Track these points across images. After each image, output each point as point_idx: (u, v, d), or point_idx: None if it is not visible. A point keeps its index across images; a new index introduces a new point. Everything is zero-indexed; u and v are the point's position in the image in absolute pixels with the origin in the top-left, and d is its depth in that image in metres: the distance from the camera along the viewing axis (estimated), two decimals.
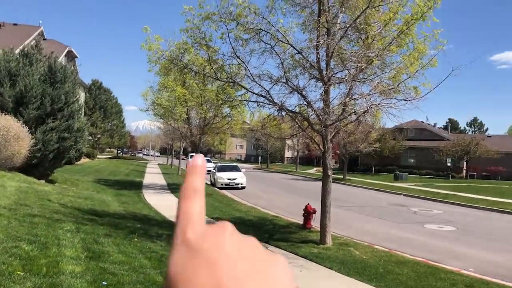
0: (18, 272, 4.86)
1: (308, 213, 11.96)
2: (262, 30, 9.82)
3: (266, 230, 11.72)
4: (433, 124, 57.71)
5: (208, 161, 37.06)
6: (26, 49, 17.78)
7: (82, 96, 34.84)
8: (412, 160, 47.40)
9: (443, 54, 9.93)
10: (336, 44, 9.58)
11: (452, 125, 76.55)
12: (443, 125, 72.97)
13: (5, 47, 17.62)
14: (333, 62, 10.20)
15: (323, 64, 10.02)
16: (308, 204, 12.09)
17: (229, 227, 0.38)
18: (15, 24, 35.62)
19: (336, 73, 10.34)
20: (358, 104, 10.34)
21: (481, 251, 10.59)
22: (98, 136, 51.72)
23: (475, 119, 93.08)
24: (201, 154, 0.44)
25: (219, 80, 10.93)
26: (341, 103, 10.25)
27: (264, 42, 10.06)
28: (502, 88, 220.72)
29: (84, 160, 38.24)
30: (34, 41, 21.05)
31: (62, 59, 32.09)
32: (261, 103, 10.76)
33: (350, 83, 9.90)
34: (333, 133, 10.59)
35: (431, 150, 43.28)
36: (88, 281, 5.07)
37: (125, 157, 70.23)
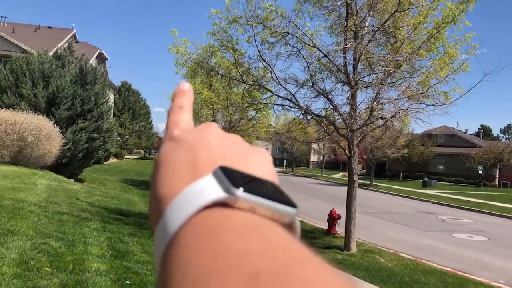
0: (46, 268, 4.98)
1: (332, 218, 11.82)
2: (289, 34, 9.80)
3: None
4: (464, 131, 56.22)
5: None
6: (59, 51, 18.35)
7: (111, 97, 35.69)
8: (442, 167, 46.23)
9: (475, 58, 9.68)
10: (364, 47, 9.45)
11: (484, 132, 74.33)
12: (475, 132, 71.06)
13: (39, 50, 18.24)
14: (360, 66, 10.07)
15: (350, 68, 9.92)
16: (333, 209, 11.95)
17: (213, 125, 0.40)
18: (49, 27, 36.87)
19: (364, 77, 10.21)
20: (385, 108, 10.17)
21: None
22: (126, 137, 52.78)
23: (509, 126, 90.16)
24: (187, 82, 0.46)
25: (245, 83, 10.97)
26: (368, 107, 10.10)
27: (291, 46, 10.04)
28: None
29: (112, 160, 39.11)
30: (67, 43, 21.70)
31: (93, 61, 32.98)
32: (286, 107, 10.74)
33: (378, 87, 9.75)
34: (360, 137, 10.44)
35: (462, 157, 42.09)
36: (112, 279, 5.15)
37: (152, 158, 71.38)
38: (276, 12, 9.69)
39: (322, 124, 10.83)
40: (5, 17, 35.87)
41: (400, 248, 10.76)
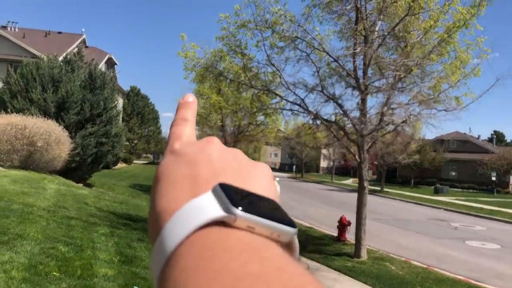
0: (54, 273, 4.96)
1: (342, 225, 11.69)
2: (298, 38, 9.75)
3: (299, 242, 11.08)
4: (477, 136, 55.66)
5: None
6: (68, 56, 18.52)
7: (120, 102, 35.91)
8: (454, 173, 45.71)
9: (487, 63, 9.52)
10: (374, 52, 9.36)
11: (497, 138, 73.42)
12: (488, 138, 70.31)
13: (49, 55, 18.42)
14: (370, 70, 9.98)
15: (360, 73, 9.82)
16: (343, 215, 11.82)
17: (214, 139, 0.40)
18: (59, 33, 37.32)
19: (374, 81, 10.11)
20: (396, 114, 10.03)
21: None
22: (135, 141, 53.12)
23: None
24: (191, 94, 0.45)
25: (254, 88, 10.93)
26: (378, 112, 9.98)
27: (300, 50, 9.97)
28: None
29: (121, 165, 39.31)
30: (76, 48, 21.92)
31: (102, 66, 33.27)
32: (295, 112, 10.67)
33: (388, 92, 9.64)
34: (370, 143, 10.32)
35: (474, 163, 41.56)
36: (120, 284, 5.11)
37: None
38: (285, 16, 9.65)
39: (331, 129, 10.73)
40: (16, 23, 36.43)
41: (412, 256, 10.59)
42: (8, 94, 16.24)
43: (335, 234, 12.07)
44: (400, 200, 28.41)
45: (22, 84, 16.31)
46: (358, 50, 9.36)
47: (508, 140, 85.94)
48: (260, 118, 20.27)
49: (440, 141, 38.87)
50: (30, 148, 13.57)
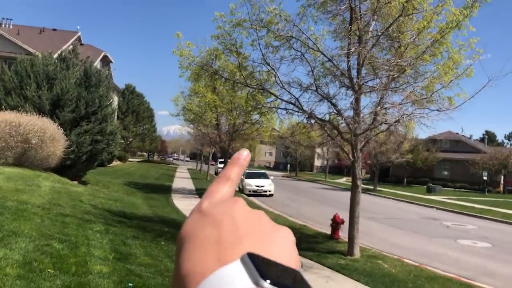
0: (49, 270, 4.99)
1: (336, 223, 11.77)
2: (293, 37, 9.80)
3: None
4: (469, 136, 56.06)
5: None
6: (63, 53, 18.44)
7: (115, 100, 35.79)
8: (446, 173, 46.03)
9: (479, 63, 9.60)
10: (368, 52, 9.43)
11: (489, 138, 73.95)
12: (480, 137, 70.79)
13: (44, 52, 18.34)
14: (364, 70, 10.05)
15: (354, 72, 9.89)
16: (337, 214, 11.90)
17: (241, 200, 0.41)
18: (54, 30, 37.11)
19: (367, 81, 10.19)
20: (389, 113, 10.12)
21: None
22: (130, 139, 52.93)
23: None
24: (246, 149, 0.46)
25: (249, 86, 10.97)
26: (372, 112, 10.07)
27: (295, 49, 10.02)
28: None
29: (116, 162, 39.20)
30: (71, 46, 21.82)
31: (97, 63, 33.13)
32: (290, 111, 10.72)
33: (382, 92, 9.73)
34: (364, 142, 10.41)
35: (466, 162, 41.87)
36: (114, 281, 5.15)
37: (156, 161, 71.54)
38: (280, 16, 9.69)
39: (325, 128, 10.81)
40: (11, 19, 36.13)
41: (404, 254, 10.70)
42: (2, 91, 16.17)
43: (329, 232, 12.15)
44: (393, 199, 28.58)
45: (16, 81, 16.23)
46: (352, 50, 9.43)
47: (500, 140, 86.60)
48: (255, 117, 20.33)
49: (432, 141, 39.13)
50: (25, 145, 13.53)
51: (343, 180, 49.83)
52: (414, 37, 9.45)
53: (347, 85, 10.05)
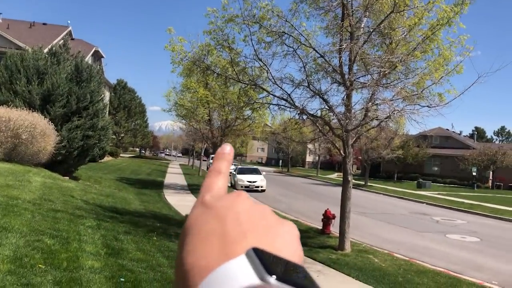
0: (40, 265, 4.98)
1: (327, 218, 11.86)
2: (285, 33, 9.82)
3: None
4: (459, 132, 56.53)
5: None
6: (54, 48, 18.26)
7: (107, 95, 35.54)
8: (436, 168, 46.48)
9: (469, 60, 9.70)
10: (359, 48, 9.48)
11: (478, 134, 74.76)
12: (469, 134, 71.46)
13: (34, 46, 18.15)
14: (356, 66, 10.10)
15: (345, 69, 9.94)
16: (328, 209, 11.99)
17: (244, 194, 0.41)
18: (44, 24, 36.65)
19: (359, 77, 10.24)
20: (380, 109, 10.20)
21: (506, 264, 10.28)
22: (122, 135, 52.65)
23: (502, 128, 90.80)
24: (229, 144, 0.47)
25: (241, 82, 10.97)
26: (363, 108, 10.14)
27: (287, 45, 10.04)
28: None
29: (107, 158, 38.99)
30: (62, 40, 21.61)
31: (88, 58, 32.85)
32: (282, 106, 10.75)
33: (373, 88, 9.79)
34: (355, 138, 10.48)
35: (456, 158, 42.33)
36: (106, 276, 5.15)
37: (147, 156, 71.28)
38: (273, 11, 9.70)
39: (317, 124, 10.86)
40: (0, 13, 35.62)
41: (394, 249, 10.82)
42: None
43: (320, 227, 12.24)
44: (384, 194, 28.82)
45: (6, 76, 16.05)
46: (344, 46, 9.47)
47: (489, 136, 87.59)
48: (247, 112, 20.34)
49: (423, 137, 39.46)
50: (15, 140, 13.42)
51: (335, 175, 50.08)
52: (405, 34, 9.52)
53: (339, 81, 10.10)
